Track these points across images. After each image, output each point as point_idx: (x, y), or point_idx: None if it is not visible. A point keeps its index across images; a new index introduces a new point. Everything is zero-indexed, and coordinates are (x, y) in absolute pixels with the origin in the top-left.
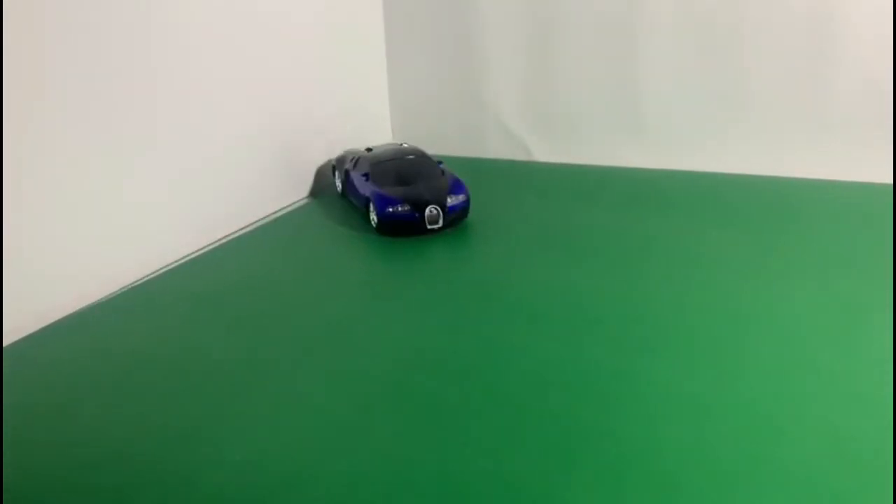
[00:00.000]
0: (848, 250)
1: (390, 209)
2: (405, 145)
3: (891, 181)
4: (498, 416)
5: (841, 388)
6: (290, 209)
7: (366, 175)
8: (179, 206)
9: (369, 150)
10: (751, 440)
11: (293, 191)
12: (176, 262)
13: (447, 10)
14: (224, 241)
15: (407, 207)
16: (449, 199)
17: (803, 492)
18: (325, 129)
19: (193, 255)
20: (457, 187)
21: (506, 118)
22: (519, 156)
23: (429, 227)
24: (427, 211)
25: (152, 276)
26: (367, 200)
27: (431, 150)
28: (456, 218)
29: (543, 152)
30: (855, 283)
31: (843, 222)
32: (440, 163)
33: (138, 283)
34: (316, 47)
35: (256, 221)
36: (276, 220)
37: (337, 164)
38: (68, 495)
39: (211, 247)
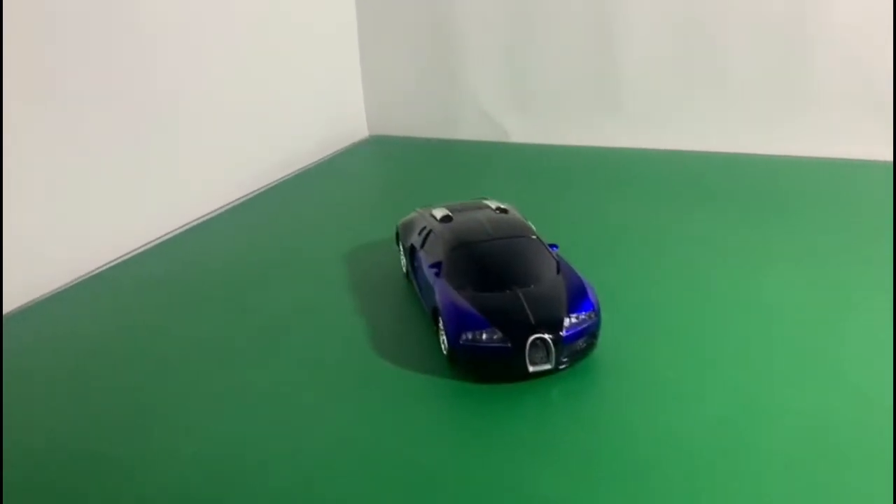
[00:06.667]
0: (829, 228)
1: (468, 335)
2: (495, 206)
3: (873, 157)
4: (460, 403)
5: (826, 373)
6: (259, 191)
7: (437, 267)
8: (141, 196)
9: (447, 217)
10: (732, 426)
11: (265, 174)
12: (134, 250)
13: None
14: (189, 226)
15: (496, 335)
16: (566, 321)
17: (784, 477)
18: (296, 112)
19: (154, 243)
20: (580, 296)
21: (482, 99)
22: (496, 137)
23: (531, 369)
24: (529, 342)
25: (109, 265)
26: (435, 310)
27: (405, 131)
28: (576, 352)
29: (520, 133)
30: (838, 262)
31: (824, 199)
32: (554, 246)
33: (96, 271)
34: (286, 28)
35: (224, 206)
36: (241, 203)
37: (402, 233)
38: (11, 493)
39: (175, 233)
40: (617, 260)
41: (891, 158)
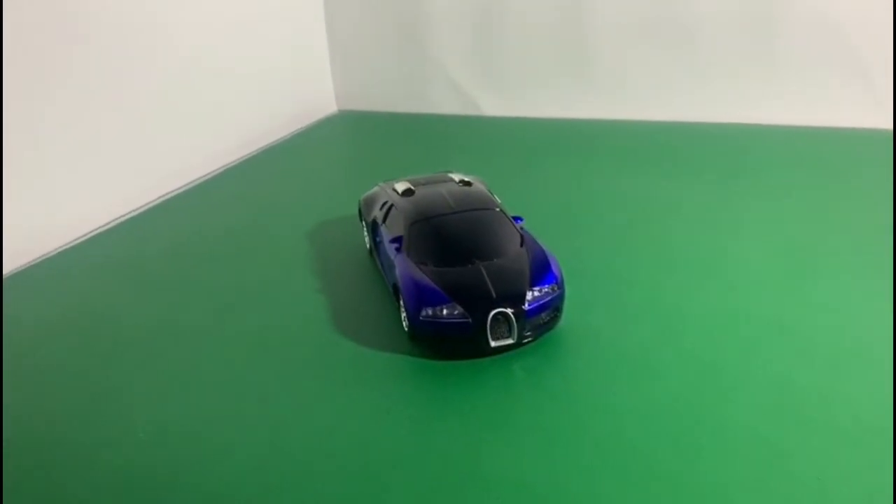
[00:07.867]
0: (800, 196)
1: (428, 311)
2: (458, 178)
3: (848, 125)
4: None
5: (794, 341)
6: (225, 168)
7: (398, 241)
8: (99, 176)
9: (409, 191)
10: (698, 400)
11: (231, 151)
12: (91, 232)
13: None
14: (149, 206)
15: (457, 310)
16: (529, 294)
17: (750, 451)
18: (262, 87)
19: (113, 223)
20: (543, 269)
21: (452, 72)
22: (467, 110)
23: (493, 344)
24: (490, 317)
25: (67, 246)
26: (396, 286)
27: (375, 106)
28: (539, 326)
29: (491, 106)
30: (809, 229)
31: (795, 167)
32: (519, 219)
33: (50, 254)
34: (252, 2)
35: (188, 183)
36: (207, 181)
37: (364, 208)
38: None
39: (134, 213)
40: (585, 232)
41: (866, 125)
